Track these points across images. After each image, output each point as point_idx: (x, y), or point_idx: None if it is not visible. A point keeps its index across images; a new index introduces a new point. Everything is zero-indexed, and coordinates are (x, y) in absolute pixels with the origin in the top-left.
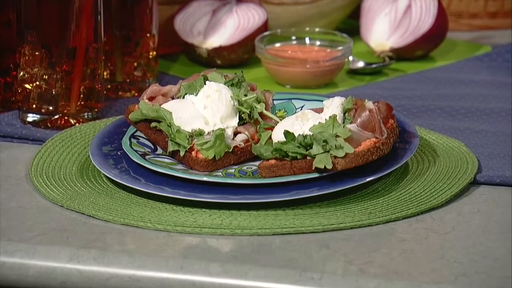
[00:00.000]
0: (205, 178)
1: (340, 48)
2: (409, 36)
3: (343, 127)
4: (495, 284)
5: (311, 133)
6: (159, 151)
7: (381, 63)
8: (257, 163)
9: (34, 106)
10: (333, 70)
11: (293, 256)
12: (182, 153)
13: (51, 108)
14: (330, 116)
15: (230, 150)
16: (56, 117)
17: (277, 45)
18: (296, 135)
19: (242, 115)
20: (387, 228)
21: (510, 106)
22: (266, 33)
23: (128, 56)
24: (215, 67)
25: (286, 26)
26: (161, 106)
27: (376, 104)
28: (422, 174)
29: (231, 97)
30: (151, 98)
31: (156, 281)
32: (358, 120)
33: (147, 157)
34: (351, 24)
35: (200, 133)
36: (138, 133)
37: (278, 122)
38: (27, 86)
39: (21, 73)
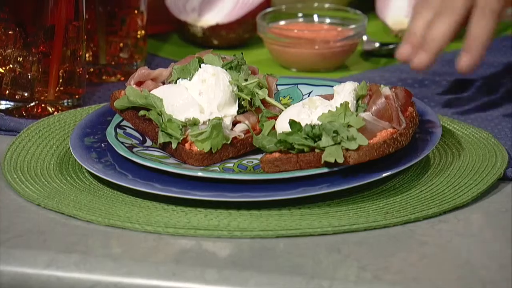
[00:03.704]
0: (200, 174)
1: (352, 26)
2: None
3: (356, 116)
4: None
5: (320, 123)
6: (149, 143)
7: (399, 43)
8: (259, 156)
9: (7, 92)
10: (345, 51)
11: (299, 262)
12: (174, 145)
13: (26, 94)
14: (341, 104)
15: (229, 142)
16: (32, 104)
17: (282, 23)
18: (303, 124)
19: (242, 103)
20: (405, 230)
21: None
22: (269, 9)
23: (113, 35)
24: (212, 48)
25: (292, 1)
26: (151, 92)
27: (393, 90)
28: (445, 169)
29: (229, 82)
30: (139, 83)
31: None
32: (373, 108)
33: (134, 149)
34: None
35: (194, 123)
36: (124, 122)
37: (282, 110)
38: None
39: None
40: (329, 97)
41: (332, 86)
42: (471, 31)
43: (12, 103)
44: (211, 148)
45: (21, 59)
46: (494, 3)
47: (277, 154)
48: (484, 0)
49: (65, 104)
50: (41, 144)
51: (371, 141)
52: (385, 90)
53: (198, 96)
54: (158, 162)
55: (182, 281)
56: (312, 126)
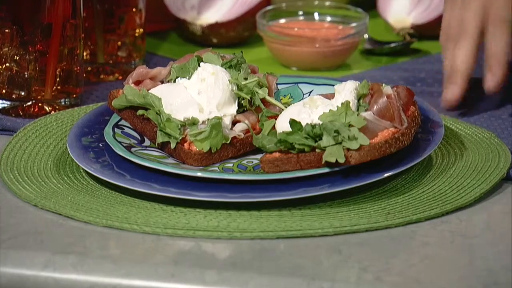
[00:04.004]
0: (199, 174)
1: (354, 24)
2: (433, 11)
3: (357, 115)
4: None
5: (321, 122)
6: (147, 142)
7: (401, 42)
8: (259, 156)
9: (4, 91)
10: (346, 50)
11: (300, 263)
12: (173, 145)
13: (23, 93)
14: (342, 103)
15: (228, 142)
16: (29, 103)
17: (282, 21)
18: (303, 124)
19: (242, 102)
20: (407, 231)
21: None
22: (269, 7)
23: (111, 34)
24: (211, 46)
25: None
26: (149, 91)
27: (395, 89)
28: (447, 169)
29: (229, 81)
30: (137, 82)
31: None
32: (375, 107)
33: (132, 149)
34: None
35: (193, 122)
36: (122, 122)
37: (283, 109)
38: None
39: None
40: (330, 96)
41: (333, 85)
42: (488, 48)
43: (8, 102)
44: (210, 148)
45: (17, 57)
46: (504, 13)
47: (277, 154)
48: (494, 13)
49: (63, 103)
50: (38, 144)
51: (373, 140)
52: (387, 89)
53: (197, 95)
54: (156, 162)
55: (181, 282)
56: (313, 126)
